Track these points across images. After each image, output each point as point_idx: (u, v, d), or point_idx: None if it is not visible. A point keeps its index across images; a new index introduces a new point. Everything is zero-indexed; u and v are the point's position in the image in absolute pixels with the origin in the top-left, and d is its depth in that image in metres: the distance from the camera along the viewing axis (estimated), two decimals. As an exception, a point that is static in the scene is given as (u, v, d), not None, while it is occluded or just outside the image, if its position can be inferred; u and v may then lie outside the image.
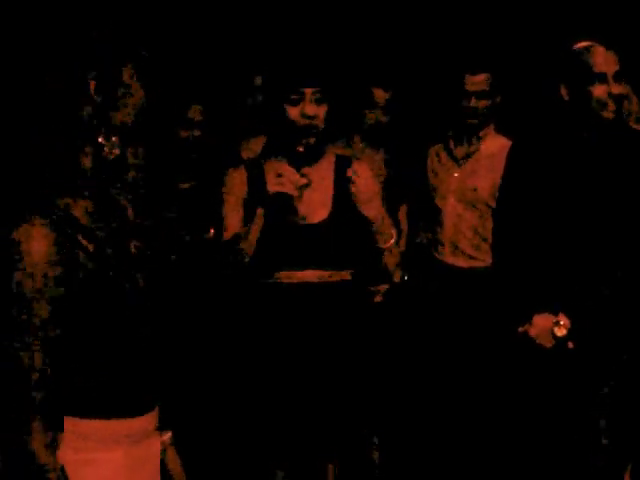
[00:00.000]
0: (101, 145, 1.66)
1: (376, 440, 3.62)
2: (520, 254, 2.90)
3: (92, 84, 1.67)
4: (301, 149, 2.46)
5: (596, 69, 2.74)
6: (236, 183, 2.58)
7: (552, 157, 2.89)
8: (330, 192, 2.56)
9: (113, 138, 1.67)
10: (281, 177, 2.38)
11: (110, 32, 1.69)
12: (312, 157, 2.54)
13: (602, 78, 2.73)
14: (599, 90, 2.74)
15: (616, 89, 2.72)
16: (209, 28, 4.40)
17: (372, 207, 2.50)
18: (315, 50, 2.63)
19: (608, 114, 2.74)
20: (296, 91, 2.46)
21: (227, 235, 2.54)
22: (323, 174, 2.58)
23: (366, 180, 2.49)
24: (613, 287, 2.76)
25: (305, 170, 2.44)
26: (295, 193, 2.39)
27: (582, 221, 2.79)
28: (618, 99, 2.73)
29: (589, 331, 2.75)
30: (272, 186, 2.40)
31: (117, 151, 1.67)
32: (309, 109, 2.45)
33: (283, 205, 2.42)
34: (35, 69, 1.73)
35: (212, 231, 3.09)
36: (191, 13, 4.29)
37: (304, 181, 2.40)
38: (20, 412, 1.58)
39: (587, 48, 2.78)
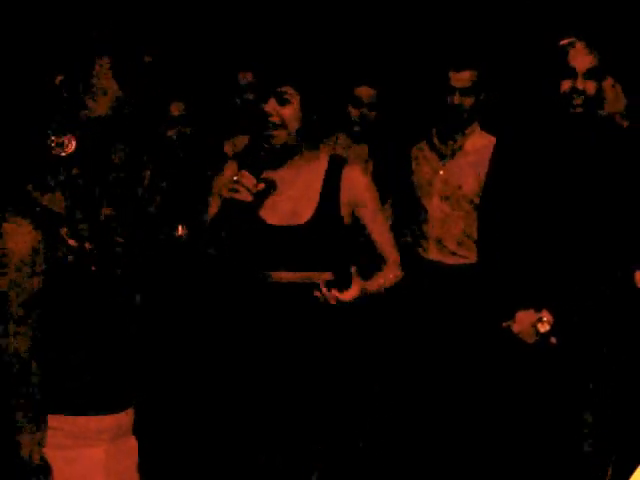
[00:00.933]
0: (54, 141, 1.65)
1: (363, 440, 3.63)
2: (506, 251, 2.90)
3: (58, 78, 1.66)
4: (262, 154, 2.42)
5: (567, 63, 2.75)
6: (226, 173, 2.58)
7: (537, 154, 2.89)
8: (317, 193, 2.55)
9: (66, 136, 1.66)
10: (237, 183, 2.32)
11: (105, 30, 1.69)
12: (285, 157, 2.52)
13: (571, 73, 2.75)
14: (566, 84, 2.75)
15: (582, 85, 2.73)
16: (196, 25, 4.39)
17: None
18: (299, 47, 2.62)
19: (574, 109, 2.76)
20: (262, 90, 2.47)
21: (209, 218, 2.53)
22: (313, 174, 2.57)
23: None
24: (596, 283, 2.77)
25: (270, 174, 2.38)
26: (249, 199, 2.32)
27: (565, 217, 2.80)
28: (585, 95, 2.74)
29: (575, 327, 2.76)
30: (226, 192, 2.34)
31: (72, 147, 1.66)
32: (268, 107, 2.45)
33: (239, 210, 2.35)
34: (5, 64, 1.73)
35: (180, 229, 3.08)
36: (179, 11, 4.28)
37: (262, 186, 2.33)
38: (6, 409, 1.57)
39: (568, 43, 2.79)
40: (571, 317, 2.76)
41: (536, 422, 2.85)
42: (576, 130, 2.81)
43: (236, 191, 2.29)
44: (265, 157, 2.41)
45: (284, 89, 2.44)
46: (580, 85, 2.72)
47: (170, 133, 3.45)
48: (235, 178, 2.30)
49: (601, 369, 2.80)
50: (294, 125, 2.47)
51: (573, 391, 2.80)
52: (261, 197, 2.34)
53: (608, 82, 3.29)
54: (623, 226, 2.78)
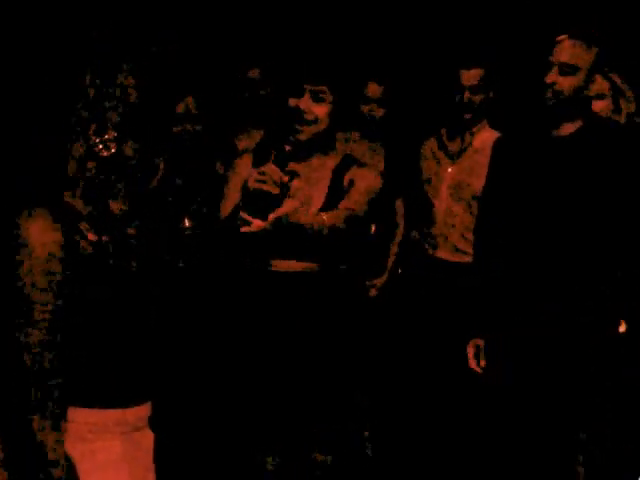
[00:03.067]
0: (96, 142, 1.67)
1: (367, 433, 3.64)
2: (500, 248, 2.92)
3: (87, 78, 1.67)
4: (288, 148, 2.43)
5: (550, 58, 2.76)
6: (242, 165, 2.59)
7: (534, 152, 2.89)
8: (325, 189, 2.56)
9: (107, 135, 1.67)
10: (264, 175, 2.32)
11: (108, 30, 1.70)
12: (304, 153, 2.54)
13: (550, 67, 2.76)
14: (549, 78, 2.76)
15: (551, 79, 2.73)
16: (206, 21, 4.39)
17: None
18: (310, 45, 2.63)
19: (548, 102, 2.76)
20: (297, 87, 2.48)
21: (225, 211, 2.54)
22: (324, 172, 2.58)
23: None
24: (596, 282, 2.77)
25: (295, 166, 2.39)
26: (276, 191, 2.33)
27: (558, 217, 2.80)
28: (555, 90, 2.74)
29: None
30: (253, 183, 2.34)
31: (113, 148, 1.67)
32: (303, 104, 2.47)
33: (264, 202, 2.34)
34: (31, 64, 1.74)
35: (187, 220, 3.10)
36: (189, 6, 4.29)
37: (287, 179, 2.34)
38: (26, 404, 1.59)
39: (559, 40, 2.80)
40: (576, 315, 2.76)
41: (538, 417, 2.85)
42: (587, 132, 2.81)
43: (264, 182, 2.30)
44: (284, 151, 2.42)
45: (319, 88, 2.46)
46: (549, 79, 2.73)
47: (179, 129, 3.46)
48: (262, 170, 2.32)
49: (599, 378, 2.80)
50: (324, 124, 2.49)
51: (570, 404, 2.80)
52: (283, 189, 2.36)
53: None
54: (626, 226, 2.79)
